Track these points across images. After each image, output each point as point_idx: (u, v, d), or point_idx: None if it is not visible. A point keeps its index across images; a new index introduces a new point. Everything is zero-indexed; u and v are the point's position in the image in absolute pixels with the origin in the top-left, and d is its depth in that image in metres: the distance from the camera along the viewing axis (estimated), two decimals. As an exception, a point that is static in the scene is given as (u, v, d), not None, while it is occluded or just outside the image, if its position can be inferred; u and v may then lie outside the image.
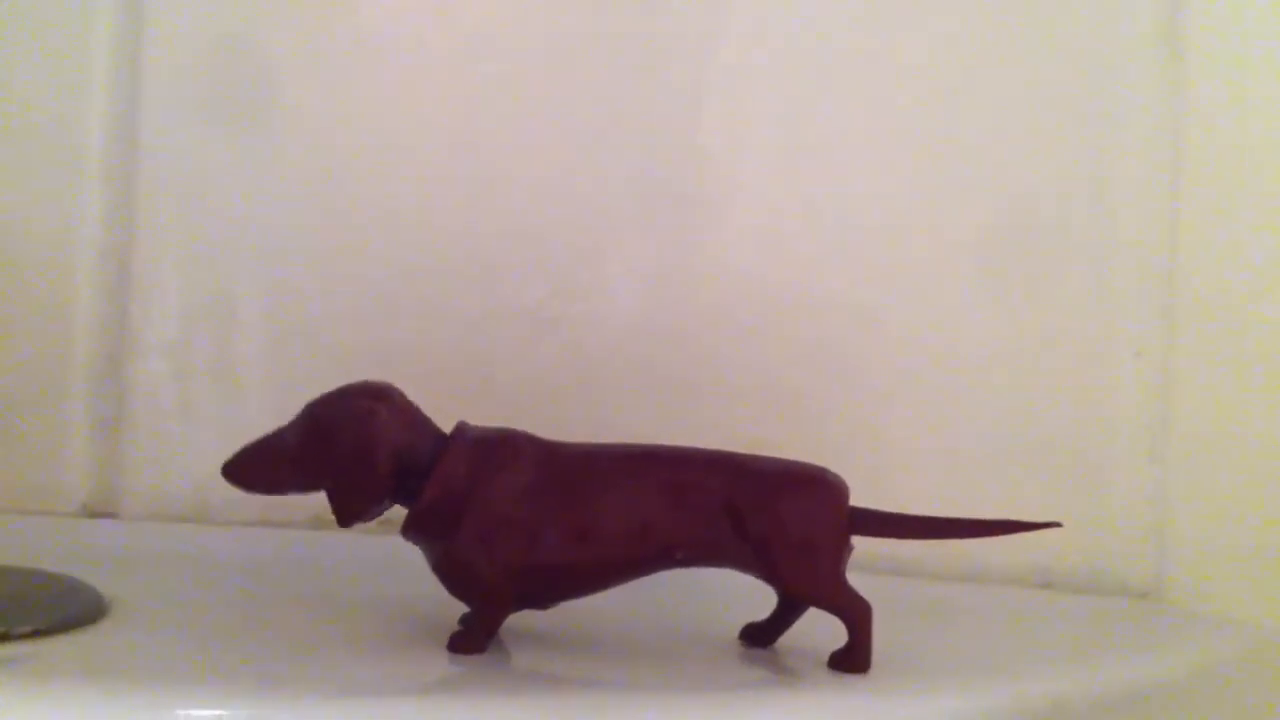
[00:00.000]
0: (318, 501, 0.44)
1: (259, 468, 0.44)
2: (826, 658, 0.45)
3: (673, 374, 0.62)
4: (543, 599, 0.45)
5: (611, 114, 0.63)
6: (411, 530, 0.44)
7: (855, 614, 0.44)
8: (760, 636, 0.48)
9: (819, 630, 0.45)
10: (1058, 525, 0.47)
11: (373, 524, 0.45)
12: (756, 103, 0.64)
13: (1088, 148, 0.64)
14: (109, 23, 0.60)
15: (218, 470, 0.44)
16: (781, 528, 0.44)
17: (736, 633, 0.48)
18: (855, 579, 0.45)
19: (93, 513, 0.60)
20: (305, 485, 0.44)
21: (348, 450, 0.43)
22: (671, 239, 0.63)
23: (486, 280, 0.62)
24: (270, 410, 0.45)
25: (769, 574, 0.45)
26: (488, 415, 0.46)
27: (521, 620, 0.45)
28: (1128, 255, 0.64)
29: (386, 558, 0.47)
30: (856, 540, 0.45)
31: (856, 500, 0.45)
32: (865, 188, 0.64)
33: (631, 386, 0.62)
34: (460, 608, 0.45)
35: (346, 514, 0.43)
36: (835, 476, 0.45)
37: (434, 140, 0.62)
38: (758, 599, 0.47)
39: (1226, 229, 0.64)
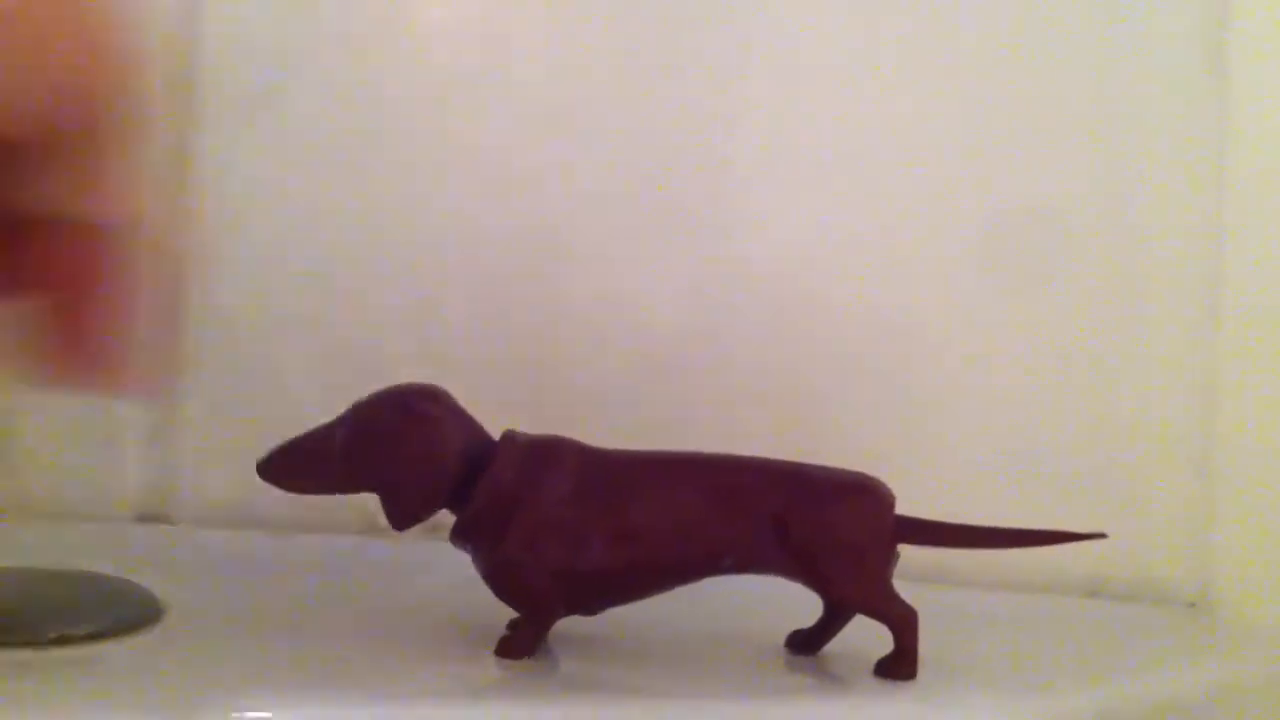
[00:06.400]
0: (368, 506, 0.44)
1: (298, 467, 0.44)
2: (872, 665, 0.45)
3: (712, 381, 0.62)
4: (590, 604, 0.45)
5: (645, 125, 0.63)
6: (459, 536, 0.44)
7: (901, 621, 0.44)
8: (806, 644, 0.48)
9: (865, 638, 0.45)
10: (1103, 536, 0.46)
11: (421, 528, 0.46)
12: (789, 112, 0.64)
13: (1132, 154, 0.64)
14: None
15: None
16: (828, 535, 0.44)
17: (782, 640, 0.48)
18: (900, 587, 0.45)
19: (146, 517, 0.60)
20: (349, 486, 0.44)
21: (411, 453, 0.43)
22: (710, 247, 0.63)
23: (526, 287, 0.62)
24: (321, 414, 0.45)
25: (815, 581, 0.45)
26: (525, 420, 0.46)
27: (569, 626, 0.45)
28: (1173, 263, 0.64)
29: (434, 563, 0.47)
30: (902, 548, 0.45)
31: (898, 508, 0.45)
32: (904, 194, 0.64)
33: (672, 394, 0.62)
34: (508, 613, 0.45)
35: (404, 517, 0.43)
36: (882, 484, 0.45)
37: (474, 152, 0.62)
38: (803, 606, 0.47)
39: (1273, 233, 0.64)
